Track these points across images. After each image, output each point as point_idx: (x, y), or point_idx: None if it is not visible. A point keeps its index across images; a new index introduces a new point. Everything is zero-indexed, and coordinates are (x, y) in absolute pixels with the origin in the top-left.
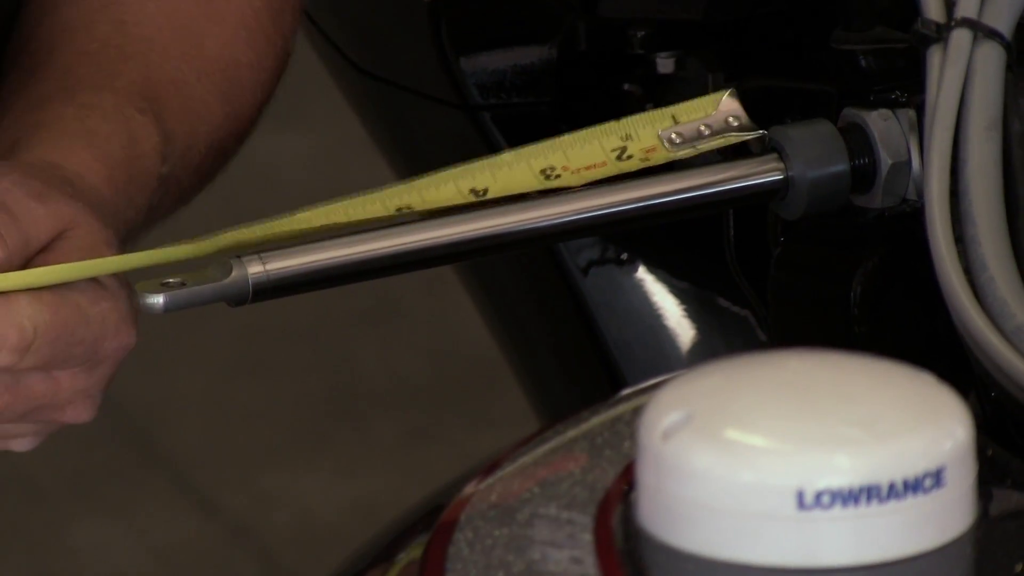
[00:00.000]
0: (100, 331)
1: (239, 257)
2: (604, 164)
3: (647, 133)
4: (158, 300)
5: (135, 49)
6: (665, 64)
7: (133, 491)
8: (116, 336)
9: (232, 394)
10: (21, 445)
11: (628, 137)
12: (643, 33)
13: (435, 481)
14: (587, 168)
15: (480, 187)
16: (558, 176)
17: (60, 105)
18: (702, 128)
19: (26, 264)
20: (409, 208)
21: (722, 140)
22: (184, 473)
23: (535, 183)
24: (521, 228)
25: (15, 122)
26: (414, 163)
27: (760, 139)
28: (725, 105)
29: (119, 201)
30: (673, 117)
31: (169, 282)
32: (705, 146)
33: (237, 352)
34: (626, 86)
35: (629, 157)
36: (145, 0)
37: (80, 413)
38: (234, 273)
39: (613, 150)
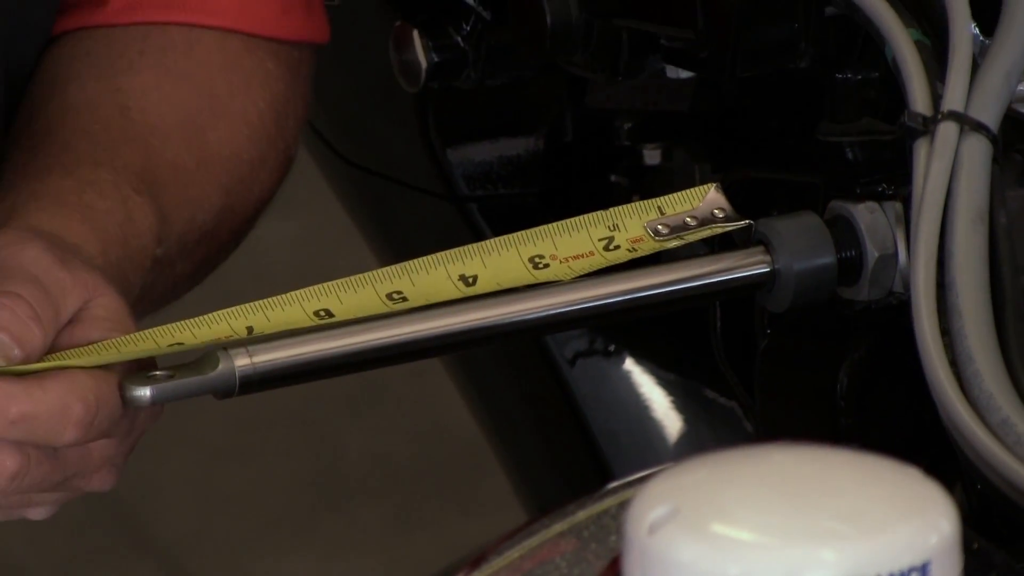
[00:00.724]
0: None
1: (226, 349)
2: (592, 254)
3: (634, 224)
4: (145, 393)
5: (137, 133)
6: (652, 155)
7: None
8: (150, 408)
9: (220, 478)
10: (38, 514)
11: (615, 227)
12: (630, 125)
13: (420, 567)
14: (575, 258)
15: (470, 274)
16: (546, 265)
17: (58, 178)
18: (688, 220)
19: (57, 337)
20: (400, 293)
21: (708, 231)
22: (173, 557)
23: (524, 272)
24: (509, 320)
25: (12, 191)
26: (401, 253)
27: (746, 229)
28: (711, 198)
29: (114, 276)
30: (659, 209)
31: (156, 375)
32: (692, 236)
33: (225, 436)
34: (613, 177)
35: (616, 247)
36: (150, 89)
37: (105, 481)
38: (221, 366)
39: (600, 239)
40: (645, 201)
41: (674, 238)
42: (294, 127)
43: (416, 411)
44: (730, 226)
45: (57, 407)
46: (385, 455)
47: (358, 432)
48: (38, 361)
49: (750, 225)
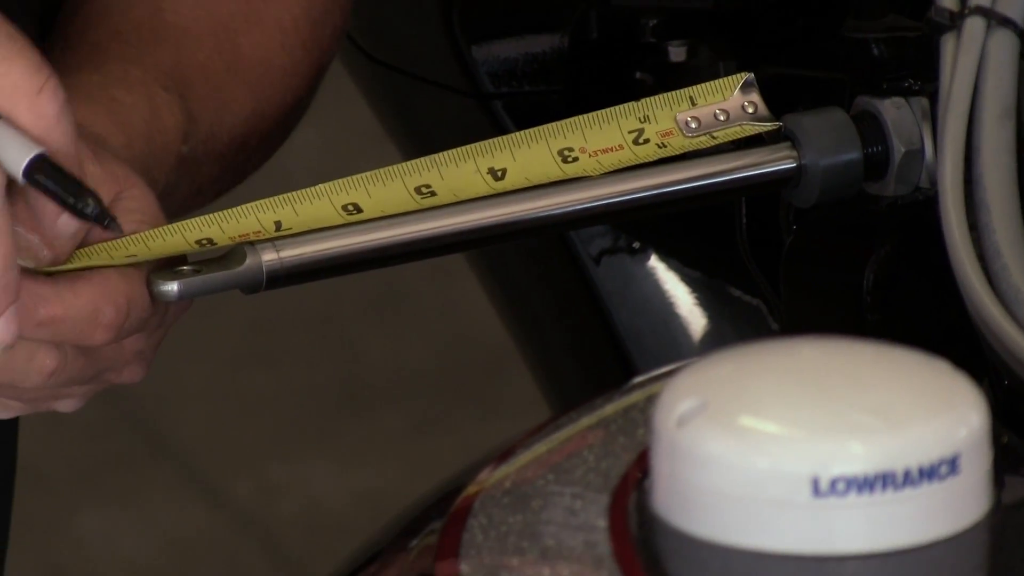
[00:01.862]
0: None
1: (252, 244)
2: (621, 148)
3: (664, 115)
4: (172, 287)
5: (168, 34)
6: (677, 53)
7: (140, 481)
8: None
9: (239, 384)
10: (68, 405)
11: (646, 119)
12: (655, 21)
13: (443, 472)
14: (604, 151)
15: (499, 167)
16: (575, 159)
17: (86, 74)
18: (718, 113)
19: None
20: (428, 187)
21: (738, 130)
22: (191, 463)
23: (553, 166)
24: (534, 216)
25: None
26: (426, 151)
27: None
28: (742, 90)
29: (138, 170)
30: (691, 99)
31: (183, 269)
32: (722, 135)
33: (244, 342)
34: (638, 74)
35: (646, 141)
36: None
37: (135, 373)
38: (248, 260)
39: (630, 132)
40: (676, 91)
41: (703, 134)
42: (331, 36)
43: (438, 316)
44: (759, 127)
45: (88, 310)
46: (407, 360)
47: (380, 337)
48: (70, 256)
49: (779, 127)
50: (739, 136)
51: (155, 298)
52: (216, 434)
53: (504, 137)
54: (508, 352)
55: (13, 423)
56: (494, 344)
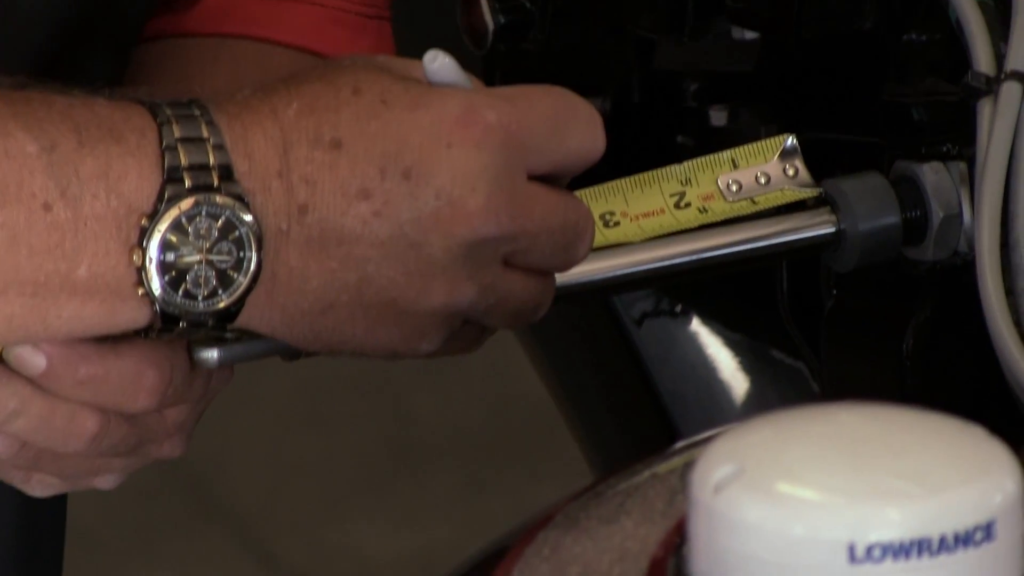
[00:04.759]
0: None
1: None
2: (662, 212)
3: (706, 178)
4: (213, 355)
5: None
6: (718, 116)
7: (192, 543)
8: (221, 372)
9: (291, 444)
10: (107, 482)
11: (687, 181)
12: (696, 86)
13: (494, 532)
14: (645, 215)
15: None
16: (617, 223)
17: None
18: (759, 176)
19: None
20: None
21: (779, 194)
22: (243, 526)
23: (595, 230)
24: (577, 281)
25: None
26: None
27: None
28: (784, 153)
29: None
30: (732, 161)
31: (223, 337)
32: (763, 199)
33: (295, 402)
34: (679, 138)
35: (687, 205)
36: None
37: (176, 448)
38: None
39: (672, 195)
40: (718, 154)
41: (744, 198)
42: None
43: (486, 376)
44: (801, 192)
45: (131, 372)
46: (456, 420)
47: (429, 397)
48: None
49: (820, 193)
50: (780, 202)
51: (196, 365)
52: (268, 496)
53: None
54: (556, 411)
55: None
56: (541, 403)
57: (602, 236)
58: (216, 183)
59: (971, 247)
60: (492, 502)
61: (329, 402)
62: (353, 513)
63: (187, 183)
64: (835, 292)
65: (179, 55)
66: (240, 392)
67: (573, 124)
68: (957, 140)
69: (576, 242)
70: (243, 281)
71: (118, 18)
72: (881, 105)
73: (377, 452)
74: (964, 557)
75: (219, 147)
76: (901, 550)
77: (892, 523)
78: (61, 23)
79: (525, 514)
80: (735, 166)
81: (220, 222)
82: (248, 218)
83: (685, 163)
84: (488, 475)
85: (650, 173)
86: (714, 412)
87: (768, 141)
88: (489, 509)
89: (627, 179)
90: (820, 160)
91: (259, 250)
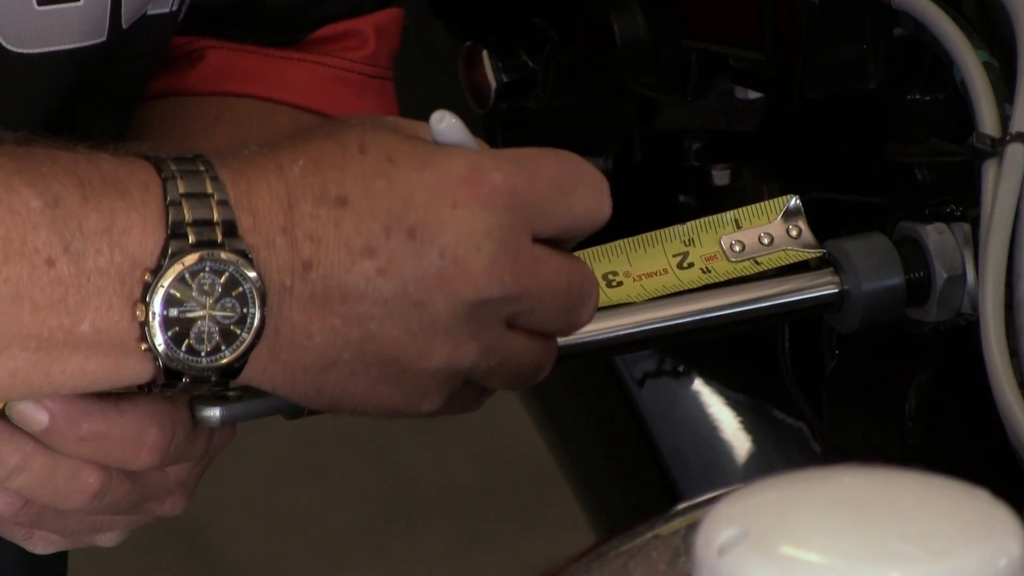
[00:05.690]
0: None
1: None
2: (665, 272)
3: (709, 239)
4: (215, 413)
5: None
6: (720, 176)
7: None
8: (223, 431)
9: (287, 498)
10: (109, 539)
11: (690, 242)
12: (698, 145)
13: None
14: (648, 275)
15: None
16: (620, 283)
17: None
18: (762, 236)
19: None
20: None
21: (782, 255)
22: None
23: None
24: (580, 341)
25: None
26: None
27: (815, 249)
28: (787, 213)
29: None
30: (735, 221)
31: (226, 395)
32: (766, 260)
33: (291, 455)
34: (682, 197)
35: (690, 265)
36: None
37: (177, 505)
38: None
39: (675, 255)
40: (721, 214)
41: (747, 259)
42: None
43: (483, 432)
44: (804, 253)
45: (133, 429)
46: (453, 476)
47: (425, 452)
48: None
49: (823, 254)
50: (783, 263)
51: (198, 423)
52: (262, 549)
53: None
54: (553, 467)
55: None
56: (540, 458)
57: (605, 296)
58: (220, 239)
59: (974, 308)
60: (487, 557)
61: (324, 456)
62: (347, 567)
63: (191, 238)
64: (837, 352)
65: (181, 113)
66: (236, 445)
67: (579, 188)
68: (961, 201)
69: (580, 306)
70: (246, 337)
71: (119, 78)
72: (885, 165)
73: (372, 506)
74: None
75: (223, 203)
76: None
77: None
78: (62, 82)
79: (520, 570)
80: (738, 226)
81: (224, 278)
82: (252, 274)
83: (688, 223)
84: (483, 530)
85: (653, 233)
86: (715, 472)
87: (771, 201)
88: (484, 564)
89: (630, 239)
90: (823, 220)
91: (263, 306)
